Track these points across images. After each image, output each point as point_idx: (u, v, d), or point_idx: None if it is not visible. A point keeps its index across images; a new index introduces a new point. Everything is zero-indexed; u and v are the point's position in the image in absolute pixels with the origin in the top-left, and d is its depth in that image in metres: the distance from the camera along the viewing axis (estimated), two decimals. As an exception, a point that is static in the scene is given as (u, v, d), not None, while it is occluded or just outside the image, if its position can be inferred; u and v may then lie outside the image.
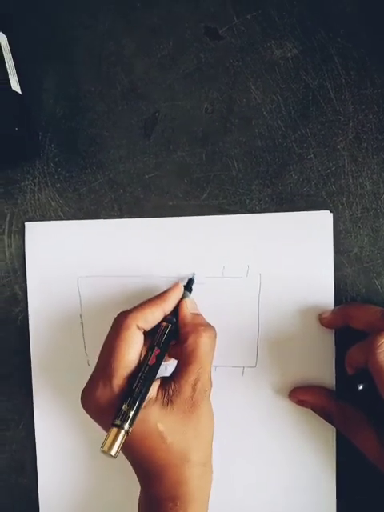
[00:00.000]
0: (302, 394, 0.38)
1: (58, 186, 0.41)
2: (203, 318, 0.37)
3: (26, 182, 0.41)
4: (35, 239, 0.41)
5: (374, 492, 0.38)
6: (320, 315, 0.38)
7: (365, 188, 0.38)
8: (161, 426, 0.32)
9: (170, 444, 0.32)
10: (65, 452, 0.41)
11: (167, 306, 0.36)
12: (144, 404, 0.32)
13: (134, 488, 0.35)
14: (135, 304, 0.40)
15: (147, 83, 0.40)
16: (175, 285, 0.37)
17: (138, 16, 0.40)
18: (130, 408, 0.31)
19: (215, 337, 0.35)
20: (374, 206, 0.38)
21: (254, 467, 0.40)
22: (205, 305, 0.40)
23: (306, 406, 0.38)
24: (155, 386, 0.34)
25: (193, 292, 0.39)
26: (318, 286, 0.38)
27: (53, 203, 0.41)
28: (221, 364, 0.40)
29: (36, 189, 0.41)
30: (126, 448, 0.33)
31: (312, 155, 0.39)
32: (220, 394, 0.39)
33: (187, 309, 0.36)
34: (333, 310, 0.38)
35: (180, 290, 0.37)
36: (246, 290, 0.39)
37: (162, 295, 0.36)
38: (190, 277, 0.39)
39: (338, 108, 0.38)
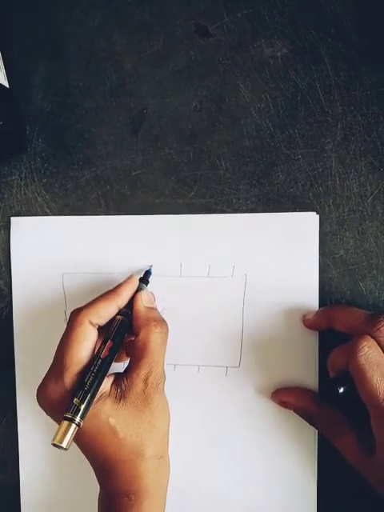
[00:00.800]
0: (284, 396, 0.38)
1: (45, 181, 0.41)
2: (157, 312, 0.37)
3: (13, 177, 0.41)
4: (21, 234, 0.41)
5: (354, 494, 0.38)
6: (304, 317, 0.38)
7: (352, 190, 0.38)
8: (112, 421, 0.32)
9: (123, 439, 0.32)
10: (47, 449, 0.41)
11: (121, 300, 0.36)
12: (96, 399, 0.32)
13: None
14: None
15: (136, 80, 0.40)
16: (129, 278, 0.37)
17: (129, 12, 0.40)
18: (82, 401, 0.31)
19: (167, 331, 0.35)
20: (360, 208, 0.38)
21: (235, 467, 0.39)
22: (190, 304, 0.40)
23: (289, 408, 0.38)
24: (109, 381, 0.34)
25: (174, 289, 0.38)
26: (303, 287, 0.38)
27: (39, 198, 0.41)
28: (204, 364, 0.40)
29: (22, 184, 0.41)
30: (80, 444, 0.33)
31: (299, 156, 0.38)
32: (203, 393, 0.40)
33: (141, 302, 0.36)
34: (316, 311, 0.37)
35: (134, 283, 0.36)
36: (232, 289, 0.39)
37: (115, 289, 0.36)
38: (147, 269, 0.39)
39: (326, 109, 0.38)
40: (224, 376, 0.39)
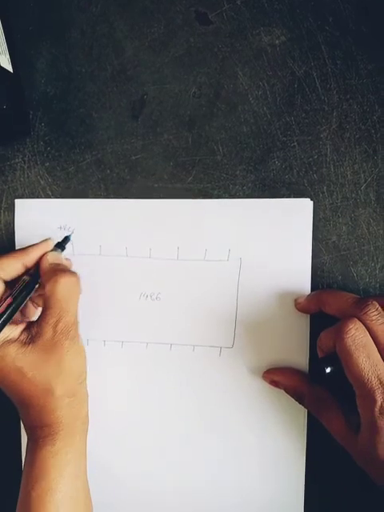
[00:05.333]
0: (275, 375, 0.39)
1: (47, 164, 0.42)
2: (64, 266, 0.38)
3: (16, 160, 0.42)
4: (24, 216, 0.42)
5: (341, 471, 0.40)
6: (296, 300, 0.39)
7: (346, 177, 0.39)
8: (19, 363, 0.34)
9: (32, 377, 0.35)
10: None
11: (28, 259, 0.38)
12: (1, 344, 0.35)
13: (120, 485, 0.37)
14: (119, 282, 0.41)
15: (137, 66, 0.41)
16: (43, 240, 0.39)
17: (131, -2, 0.41)
18: None
19: (77, 281, 0.37)
20: (353, 195, 0.39)
21: (226, 443, 0.41)
22: (186, 286, 0.41)
23: (279, 387, 0.39)
24: (18, 328, 0.36)
25: (171, 272, 0.40)
26: (296, 271, 0.39)
27: (42, 181, 0.42)
28: (199, 344, 0.41)
29: (26, 167, 0.42)
30: None
31: (295, 143, 0.39)
32: (197, 372, 0.41)
33: (46, 259, 0.38)
34: (308, 295, 0.38)
35: (46, 246, 0.39)
36: (227, 273, 0.40)
37: (24, 248, 0.38)
38: (67, 235, 0.41)
39: (322, 97, 0.39)
40: (218, 356, 0.41)
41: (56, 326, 0.35)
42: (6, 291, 0.37)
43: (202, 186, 0.40)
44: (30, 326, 0.36)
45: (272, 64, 0.39)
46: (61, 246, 0.40)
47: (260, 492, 0.41)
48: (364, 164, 0.39)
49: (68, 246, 0.42)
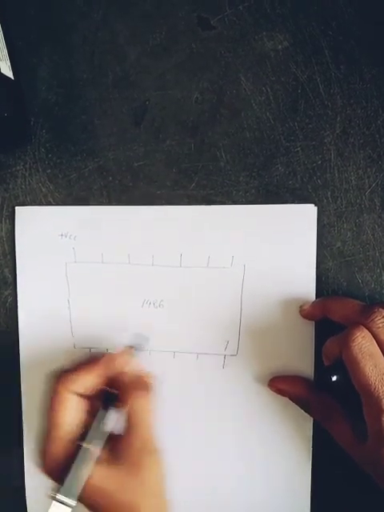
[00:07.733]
0: (280, 383, 0.39)
1: (49, 171, 0.41)
2: (140, 377, 0.38)
3: (18, 167, 0.42)
4: (25, 224, 0.42)
5: (348, 479, 0.39)
6: (300, 307, 0.39)
7: (350, 183, 0.38)
8: (105, 485, 0.34)
9: (118, 500, 0.34)
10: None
11: (108, 373, 0.37)
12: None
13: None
14: (121, 290, 0.41)
15: (139, 72, 0.40)
16: (123, 351, 0.38)
17: (132, 4, 0.40)
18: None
19: (149, 395, 0.37)
20: (358, 200, 0.38)
21: (231, 453, 0.40)
22: (190, 293, 0.40)
23: (285, 395, 0.39)
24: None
25: (175, 279, 0.40)
26: (300, 278, 0.39)
27: (43, 189, 0.42)
28: (203, 352, 0.40)
29: (27, 174, 0.42)
30: (81, 501, 0.35)
31: (299, 148, 0.39)
32: (201, 380, 0.41)
33: (125, 374, 0.37)
34: (313, 302, 0.38)
35: (123, 360, 0.38)
36: (230, 280, 0.40)
37: (100, 359, 0.37)
38: (140, 342, 0.40)
39: (326, 102, 0.38)
40: (222, 364, 0.40)
41: (137, 445, 0.35)
42: (88, 408, 0.36)
43: (204, 193, 0.40)
44: (112, 444, 0.35)
45: (275, 69, 0.39)
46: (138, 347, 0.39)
47: (265, 500, 0.40)
48: (368, 169, 0.38)
49: (70, 253, 0.41)
